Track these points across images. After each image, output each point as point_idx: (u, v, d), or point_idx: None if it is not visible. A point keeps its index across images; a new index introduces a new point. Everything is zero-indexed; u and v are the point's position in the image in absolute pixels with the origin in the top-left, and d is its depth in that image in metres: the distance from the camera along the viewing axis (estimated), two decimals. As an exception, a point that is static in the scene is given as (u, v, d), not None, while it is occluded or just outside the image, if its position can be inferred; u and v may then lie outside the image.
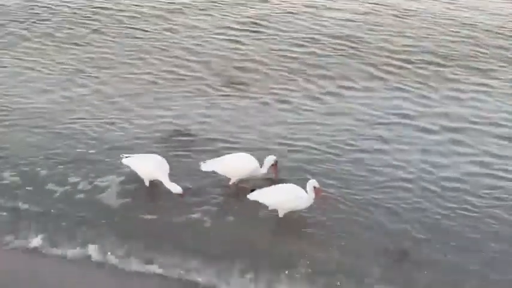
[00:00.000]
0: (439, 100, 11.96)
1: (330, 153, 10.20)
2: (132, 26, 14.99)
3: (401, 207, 9.03)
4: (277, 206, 8.62)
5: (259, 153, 9.56)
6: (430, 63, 13.32)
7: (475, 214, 8.97)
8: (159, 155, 9.44)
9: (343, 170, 9.77)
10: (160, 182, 9.13)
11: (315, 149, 10.30)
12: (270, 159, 9.33)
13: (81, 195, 9.25)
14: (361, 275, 7.93)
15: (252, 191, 8.78)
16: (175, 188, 8.99)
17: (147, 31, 14.77)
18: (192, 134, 10.82)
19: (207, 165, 9.31)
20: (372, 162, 10.04)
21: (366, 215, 8.85)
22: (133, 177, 9.43)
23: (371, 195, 9.25)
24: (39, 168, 9.76)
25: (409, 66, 13.21)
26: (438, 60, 13.48)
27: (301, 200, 8.54)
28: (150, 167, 9.20)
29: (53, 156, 10.08)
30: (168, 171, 9.14)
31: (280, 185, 8.86)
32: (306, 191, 8.55)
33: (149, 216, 8.88)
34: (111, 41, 14.29)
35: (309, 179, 8.66)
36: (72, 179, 9.53)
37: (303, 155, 10.17)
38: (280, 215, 8.68)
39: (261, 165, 9.35)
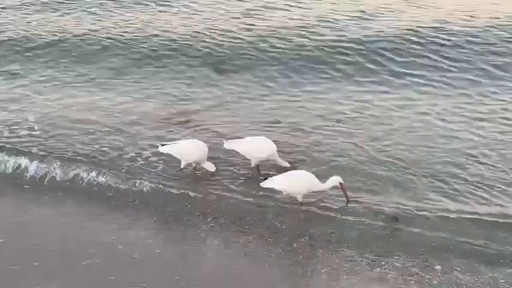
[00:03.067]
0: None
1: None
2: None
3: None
4: (291, 191, 9.13)
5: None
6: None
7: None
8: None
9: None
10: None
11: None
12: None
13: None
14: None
15: (265, 179, 9.34)
16: (212, 167, 9.99)
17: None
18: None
19: (229, 144, 10.11)
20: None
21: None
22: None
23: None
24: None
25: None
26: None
27: (313, 183, 9.05)
28: (197, 152, 9.99)
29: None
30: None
31: (291, 171, 9.42)
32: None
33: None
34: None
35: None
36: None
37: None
38: (299, 199, 9.13)
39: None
